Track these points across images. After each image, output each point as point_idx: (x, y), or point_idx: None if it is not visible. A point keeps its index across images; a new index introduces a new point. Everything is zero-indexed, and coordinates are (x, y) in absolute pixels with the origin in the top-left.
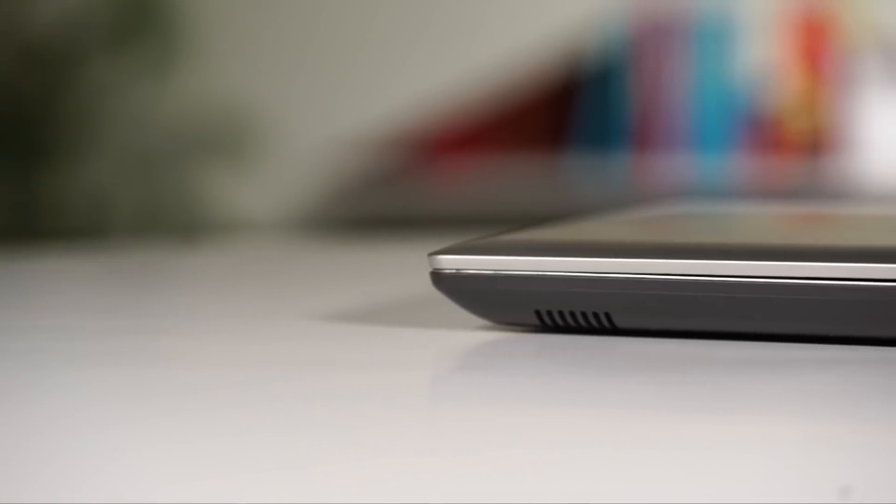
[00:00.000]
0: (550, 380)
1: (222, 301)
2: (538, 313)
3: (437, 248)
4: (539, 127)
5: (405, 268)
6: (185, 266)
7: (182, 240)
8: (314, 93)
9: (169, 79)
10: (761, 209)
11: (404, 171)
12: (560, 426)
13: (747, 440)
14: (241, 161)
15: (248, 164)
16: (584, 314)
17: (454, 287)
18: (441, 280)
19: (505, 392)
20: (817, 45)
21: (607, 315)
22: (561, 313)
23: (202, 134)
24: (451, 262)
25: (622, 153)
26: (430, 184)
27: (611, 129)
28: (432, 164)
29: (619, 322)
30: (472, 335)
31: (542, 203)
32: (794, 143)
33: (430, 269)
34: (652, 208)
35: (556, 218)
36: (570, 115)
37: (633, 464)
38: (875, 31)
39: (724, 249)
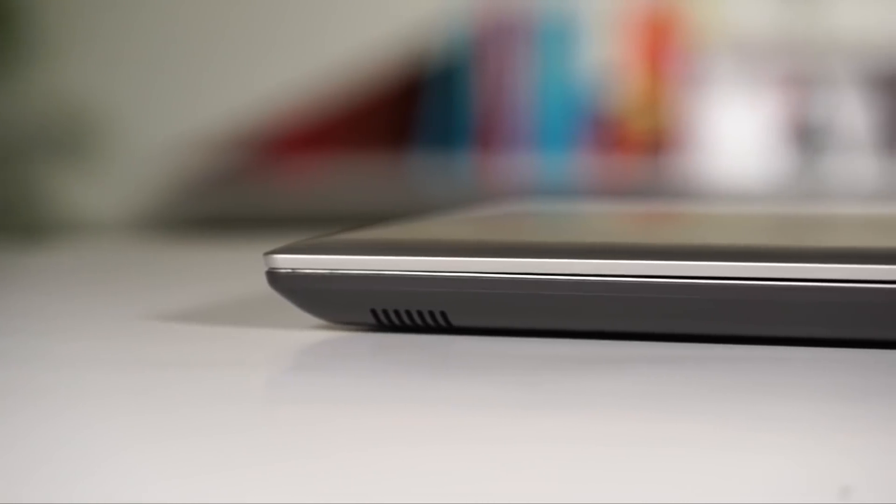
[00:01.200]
0: (386, 379)
1: (61, 301)
2: (374, 312)
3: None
4: (384, 126)
5: (245, 267)
6: (27, 266)
7: (27, 239)
8: (159, 92)
9: (14, 77)
10: (600, 207)
11: (249, 170)
12: (396, 425)
13: (580, 437)
14: (87, 160)
15: (93, 162)
16: (419, 313)
17: (289, 286)
18: (277, 280)
19: (340, 392)
20: (660, 45)
21: (443, 314)
22: (397, 312)
23: (47, 132)
24: (287, 262)
25: (467, 152)
26: (275, 183)
27: (455, 128)
28: (277, 163)
29: (455, 320)
30: (308, 335)
31: (388, 202)
32: (637, 143)
33: (266, 269)
34: (491, 207)
35: (401, 217)
36: (415, 114)
37: (469, 461)
38: (721, 31)
39: (558, 248)
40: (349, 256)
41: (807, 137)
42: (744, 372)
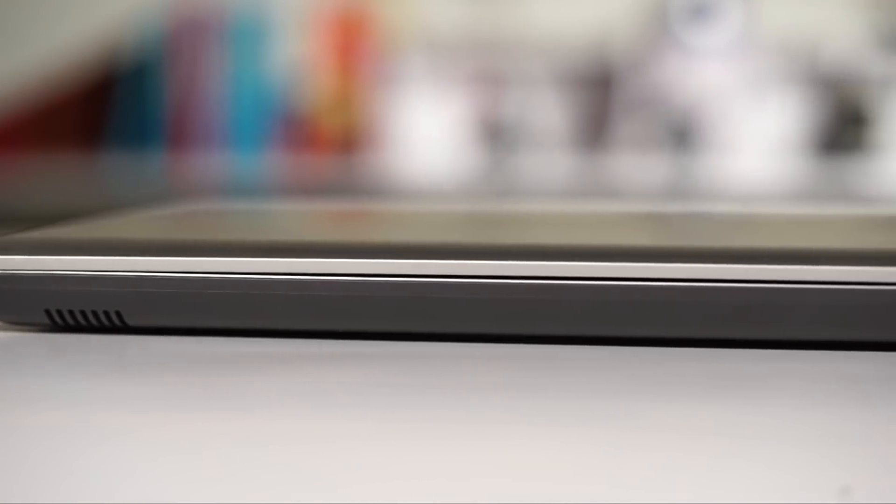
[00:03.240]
0: (61, 380)
1: None
2: (48, 313)
3: None
4: (74, 124)
5: None
6: None
7: None
8: None
9: None
10: (286, 206)
11: None
12: (69, 427)
13: (259, 434)
14: None
15: None
16: (94, 313)
17: None
18: None
19: (13, 393)
20: (352, 43)
21: (118, 313)
22: (71, 312)
23: None
24: None
25: (158, 151)
26: None
27: (147, 127)
28: None
29: (130, 320)
30: None
31: (78, 201)
32: (329, 141)
33: None
34: (175, 206)
35: (91, 216)
36: (106, 112)
37: (140, 462)
38: (413, 29)
39: (231, 246)
40: (21, 256)
41: (498, 135)
42: (254, 369)
